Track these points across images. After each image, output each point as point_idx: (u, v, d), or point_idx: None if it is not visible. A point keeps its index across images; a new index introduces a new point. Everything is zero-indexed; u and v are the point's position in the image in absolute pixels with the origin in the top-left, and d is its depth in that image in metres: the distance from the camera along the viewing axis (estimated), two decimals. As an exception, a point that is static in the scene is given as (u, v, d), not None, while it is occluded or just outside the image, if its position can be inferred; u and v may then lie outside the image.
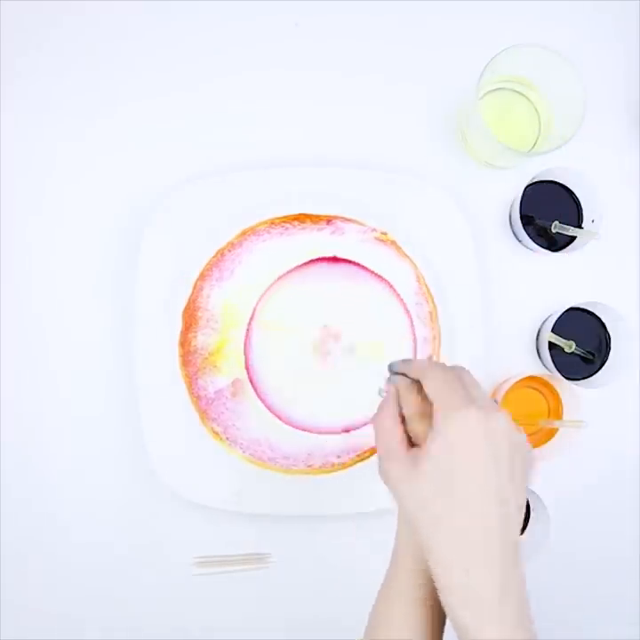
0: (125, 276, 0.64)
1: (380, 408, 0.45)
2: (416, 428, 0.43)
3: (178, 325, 0.62)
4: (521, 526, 0.42)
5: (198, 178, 0.63)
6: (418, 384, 0.44)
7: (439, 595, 0.40)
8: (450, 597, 0.39)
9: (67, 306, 0.66)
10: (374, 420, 0.45)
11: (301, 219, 0.63)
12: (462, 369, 0.45)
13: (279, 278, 0.63)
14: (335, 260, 0.63)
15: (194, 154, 0.66)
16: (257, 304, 0.63)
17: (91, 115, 0.67)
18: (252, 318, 0.63)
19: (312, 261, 0.64)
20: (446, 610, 0.40)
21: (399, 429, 0.43)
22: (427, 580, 0.44)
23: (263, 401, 0.63)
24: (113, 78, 0.67)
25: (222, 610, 0.65)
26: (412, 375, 0.45)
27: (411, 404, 0.44)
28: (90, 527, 0.66)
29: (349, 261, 0.64)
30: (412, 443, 0.43)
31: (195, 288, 0.63)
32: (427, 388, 0.42)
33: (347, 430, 0.63)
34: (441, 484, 0.40)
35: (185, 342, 0.62)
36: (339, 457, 0.63)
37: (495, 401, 0.43)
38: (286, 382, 0.63)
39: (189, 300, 0.62)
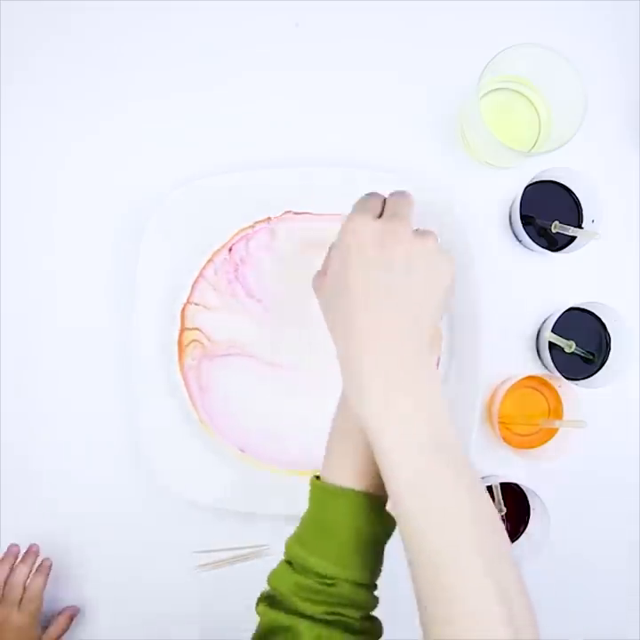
0: (125, 276, 0.64)
1: None
2: None
3: (177, 325, 0.63)
4: (438, 347, 0.43)
5: (198, 178, 0.63)
6: None
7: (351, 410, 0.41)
8: (351, 400, 0.41)
9: (66, 305, 0.66)
10: None
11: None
12: (400, 195, 0.45)
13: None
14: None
15: (194, 154, 0.66)
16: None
17: (90, 116, 0.67)
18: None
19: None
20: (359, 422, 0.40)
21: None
22: None
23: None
24: (113, 79, 0.67)
25: (223, 608, 0.65)
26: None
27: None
28: (89, 527, 0.66)
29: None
30: None
31: (193, 288, 0.63)
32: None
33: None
34: (337, 284, 0.42)
35: (182, 342, 0.63)
36: None
37: (421, 230, 0.43)
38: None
39: (187, 299, 0.63)
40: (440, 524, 0.37)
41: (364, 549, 0.43)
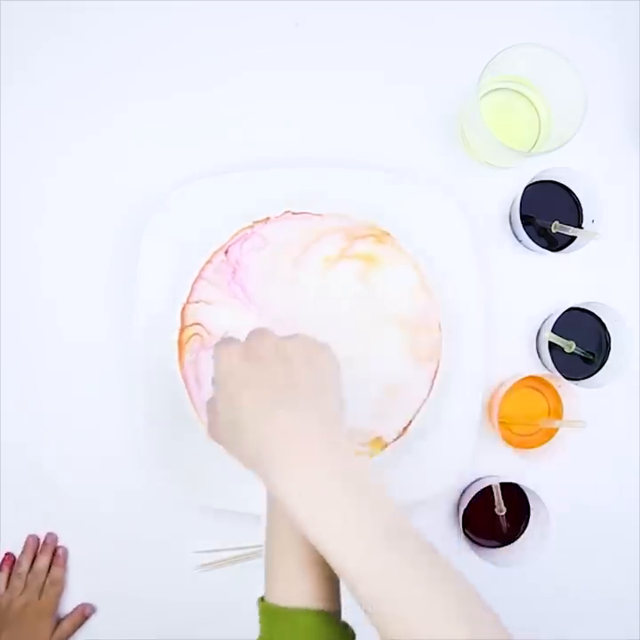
0: (125, 276, 0.64)
1: None
2: None
3: (177, 324, 0.63)
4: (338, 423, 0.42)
5: (198, 178, 0.63)
6: None
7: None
8: (295, 514, 0.39)
9: (66, 305, 0.66)
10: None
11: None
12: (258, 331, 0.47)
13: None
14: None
15: (194, 154, 0.66)
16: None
17: (90, 116, 0.67)
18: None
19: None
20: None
21: None
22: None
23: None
24: (113, 79, 0.67)
25: (224, 608, 0.65)
26: None
27: None
28: (90, 527, 0.66)
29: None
30: None
31: (193, 288, 0.63)
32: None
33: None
34: (228, 412, 0.43)
35: (182, 341, 0.62)
36: None
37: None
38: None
39: (187, 299, 0.63)
40: (399, 616, 0.36)
41: None
